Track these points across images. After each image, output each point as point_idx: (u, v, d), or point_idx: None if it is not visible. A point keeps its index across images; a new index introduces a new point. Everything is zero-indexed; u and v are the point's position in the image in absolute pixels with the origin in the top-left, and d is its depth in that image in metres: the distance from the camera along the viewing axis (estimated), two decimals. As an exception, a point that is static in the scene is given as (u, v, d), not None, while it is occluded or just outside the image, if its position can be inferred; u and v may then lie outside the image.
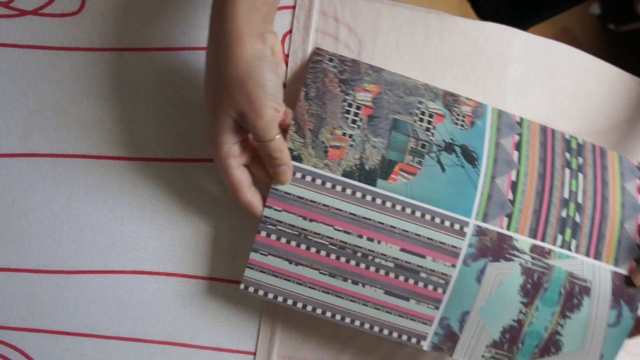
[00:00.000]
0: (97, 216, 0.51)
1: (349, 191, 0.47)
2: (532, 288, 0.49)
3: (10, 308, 0.50)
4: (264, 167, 0.46)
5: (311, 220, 0.47)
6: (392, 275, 0.48)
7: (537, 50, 0.61)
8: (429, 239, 0.48)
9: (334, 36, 0.54)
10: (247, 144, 0.45)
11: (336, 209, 0.47)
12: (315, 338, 0.54)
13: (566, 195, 0.52)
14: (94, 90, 0.49)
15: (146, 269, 0.52)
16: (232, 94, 0.41)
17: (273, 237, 0.47)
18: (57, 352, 0.51)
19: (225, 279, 0.53)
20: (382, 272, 0.48)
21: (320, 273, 0.47)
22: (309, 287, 0.48)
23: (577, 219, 0.51)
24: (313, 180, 0.47)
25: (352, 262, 0.47)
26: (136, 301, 0.52)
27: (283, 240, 0.47)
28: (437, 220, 0.48)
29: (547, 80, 0.61)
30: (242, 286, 0.47)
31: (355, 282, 0.48)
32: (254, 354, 0.54)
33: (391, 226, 0.47)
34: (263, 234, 0.47)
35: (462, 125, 0.51)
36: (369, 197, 0.47)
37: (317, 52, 0.51)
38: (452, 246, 0.48)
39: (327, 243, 0.47)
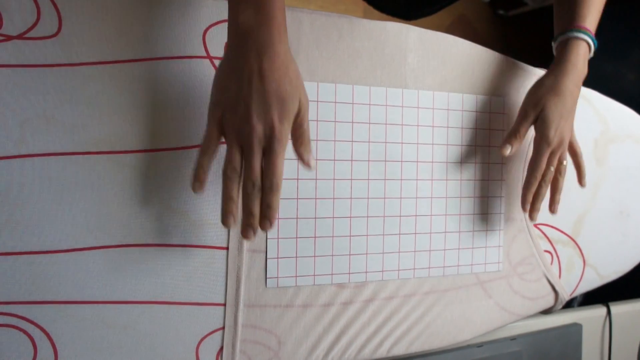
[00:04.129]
0: (86, 202, 0.61)
1: None
2: None
3: (19, 285, 0.59)
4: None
5: None
6: None
7: (428, 41, 0.76)
8: None
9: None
10: None
11: None
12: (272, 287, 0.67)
13: None
14: (76, 98, 0.59)
15: (130, 242, 0.62)
16: (299, 86, 0.55)
17: None
18: (62, 319, 0.60)
19: (195, 245, 0.65)
20: None
21: None
22: None
23: None
24: None
25: None
26: (124, 269, 0.62)
27: None
28: None
29: (439, 65, 0.76)
30: None
31: None
32: (224, 304, 0.66)
33: None
34: None
35: None
36: None
37: None
38: None
39: None
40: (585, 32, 0.74)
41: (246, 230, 0.56)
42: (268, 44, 0.53)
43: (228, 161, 0.55)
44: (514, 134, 0.75)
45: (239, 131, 0.54)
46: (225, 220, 0.56)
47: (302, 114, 0.56)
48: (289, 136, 0.56)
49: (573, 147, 0.80)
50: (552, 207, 0.79)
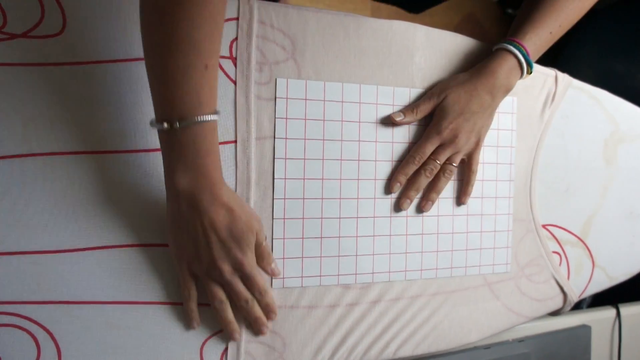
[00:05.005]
0: (91, 201, 0.60)
1: None
2: None
3: (23, 285, 0.59)
4: None
5: None
6: None
7: (436, 40, 0.75)
8: None
9: (272, 40, 0.66)
10: None
11: None
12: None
13: None
14: (79, 97, 0.59)
15: (135, 242, 0.62)
16: (249, 215, 0.60)
17: None
18: (66, 319, 0.60)
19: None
20: None
21: None
22: None
23: None
24: None
25: None
26: (129, 270, 0.62)
27: None
28: None
29: (446, 64, 0.76)
30: None
31: None
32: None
33: None
34: None
35: None
36: None
37: None
38: None
39: None
40: (519, 47, 0.72)
41: (261, 330, 0.66)
42: (210, 201, 0.57)
43: (212, 298, 0.63)
44: (411, 107, 0.73)
45: (210, 274, 0.61)
46: (233, 338, 0.64)
47: (259, 237, 0.62)
48: (254, 258, 0.63)
49: (470, 161, 0.76)
50: (423, 203, 0.75)
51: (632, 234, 0.93)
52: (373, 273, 0.72)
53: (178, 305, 0.64)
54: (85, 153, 0.60)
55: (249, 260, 0.61)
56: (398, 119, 0.72)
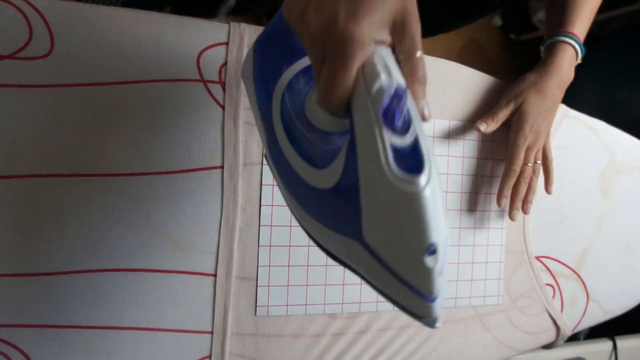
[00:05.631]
0: (73, 225, 0.59)
1: None
2: None
3: (1, 308, 0.58)
4: None
5: None
6: None
7: (429, 67, 0.74)
8: None
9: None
10: None
11: None
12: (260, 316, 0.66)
13: None
14: (66, 120, 0.59)
15: (116, 267, 0.61)
16: None
17: None
18: (43, 343, 0.59)
19: (183, 271, 0.63)
20: None
21: None
22: None
23: None
24: None
25: None
26: (109, 294, 0.61)
27: None
28: None
29: (440, 92, 0.75)
30: None
31: None
32: (211, 332, 0.65)
33: None
34: None
35: None
36: None
37: None
38: None
39: None
40: (572, 36, 0.75)
41: None
42: None
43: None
44: (491, 116, 0.75)
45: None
46: None
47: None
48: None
49: (545, 151, 0.79)
50: (525, 207, 0.78)
51: (627, 268, 0.92)
52: (360, 302, 0.71)
53: (160, 331, 0.62)
54: (71, 176, 0.59)
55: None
56: (483, 128, 0.73)
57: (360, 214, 0.37)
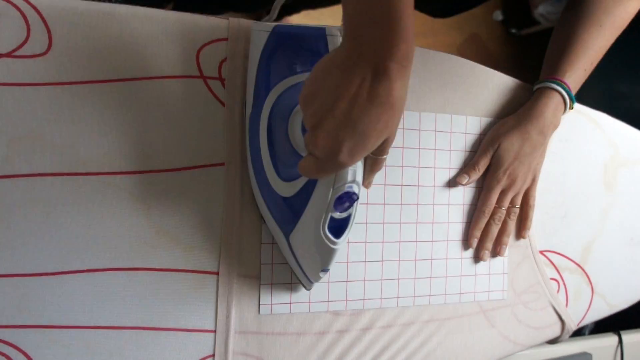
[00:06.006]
0: (73, 224, 0.59)
1: None
2: None
3: (2, 309, 0.57)
4: None
5: None
6: None
7: (430, 61, 0.74)
8: None
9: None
10: None
11: None
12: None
13: None
14: (64, 118, 0.58)
15: (118, 266, 0.61)
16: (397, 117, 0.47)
17: None
18: (45, 344, 0.58)
19: (185, 270, 0.63)
20: None
21: None
22: None
23: None
24: None
25: None
26: (110, 294, 0.60)
27: None
28: None
29: (441, 86, 0.74)
30: None
31: None
32: (214, 331, 0.64)
33: None
34: None
35: None
36: None
37: None
38: None
39: None
40: (562, 84, 0.75)
41: None
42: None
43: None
44: (472, 166, 0.75)
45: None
46: None
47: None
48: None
49: (527, 197, 0.79)
50: (498, 249, 0.78)
51: (632, 261, 0.91)
52: (364, 299, 0.70)
53: (162, 330, 0.62)
54: (69, 174, 0.59)
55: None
56: (465, 181, 0.75)
57: (294, 227, 0.59)
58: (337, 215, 0.56)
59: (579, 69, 0.76)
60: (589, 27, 0.76)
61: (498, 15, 2.21)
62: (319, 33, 0.61)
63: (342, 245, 0.59)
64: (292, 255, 0.62)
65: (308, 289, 0.66)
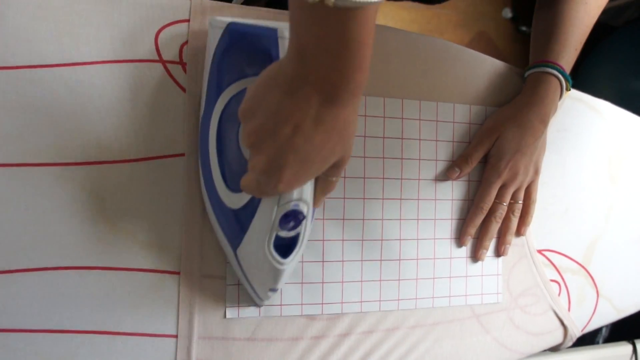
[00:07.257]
0: (20, 219, 0.55)
1: None
2: None
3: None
4: None
5: None
6: None
7: (413, 45, 0.69)
8: None
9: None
10: None
11: None
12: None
13: None
14: (11, 105, 0.54)
15: (69, 264, 0.56)
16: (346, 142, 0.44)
17: None
18: (-10, 350, 0.55)
19: (143, 269, 0.58)
20: None
21: None
22: None
23: None
24: None
25: None
26: (61, 295, 0.56)
27: None
28: None
29: (424, 72, 0.69)
30: None
31: None
32: (176, 336, 0.59)
33: None
34: None
35: None
36: None
37: None
38: None
39: None
40: (556, 67, 0.70)
41: None
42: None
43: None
44: (464, 159, 0.70)
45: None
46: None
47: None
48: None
49: (529, 191, 0.74)
50: (500, 249, 0.73)
51: (640, 261, 0.85)
52: (342, 303, 0.65)
53: (119, 335, 0.57)
54: (17, 165, 0.55)
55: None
56: (455, 176, 0.70)
57: (241, 241, 0.55)
58: (284, 233, 0.52)
59: (571, 48, 0.72)
60: (574, 4, 0.72)
61: (507, 13, 2.16)
62: (271, 34, 0.53)
63: (291, 266, 0.55)
64: (241, 270, 0.58)
65: (260, 306, 0.62)
